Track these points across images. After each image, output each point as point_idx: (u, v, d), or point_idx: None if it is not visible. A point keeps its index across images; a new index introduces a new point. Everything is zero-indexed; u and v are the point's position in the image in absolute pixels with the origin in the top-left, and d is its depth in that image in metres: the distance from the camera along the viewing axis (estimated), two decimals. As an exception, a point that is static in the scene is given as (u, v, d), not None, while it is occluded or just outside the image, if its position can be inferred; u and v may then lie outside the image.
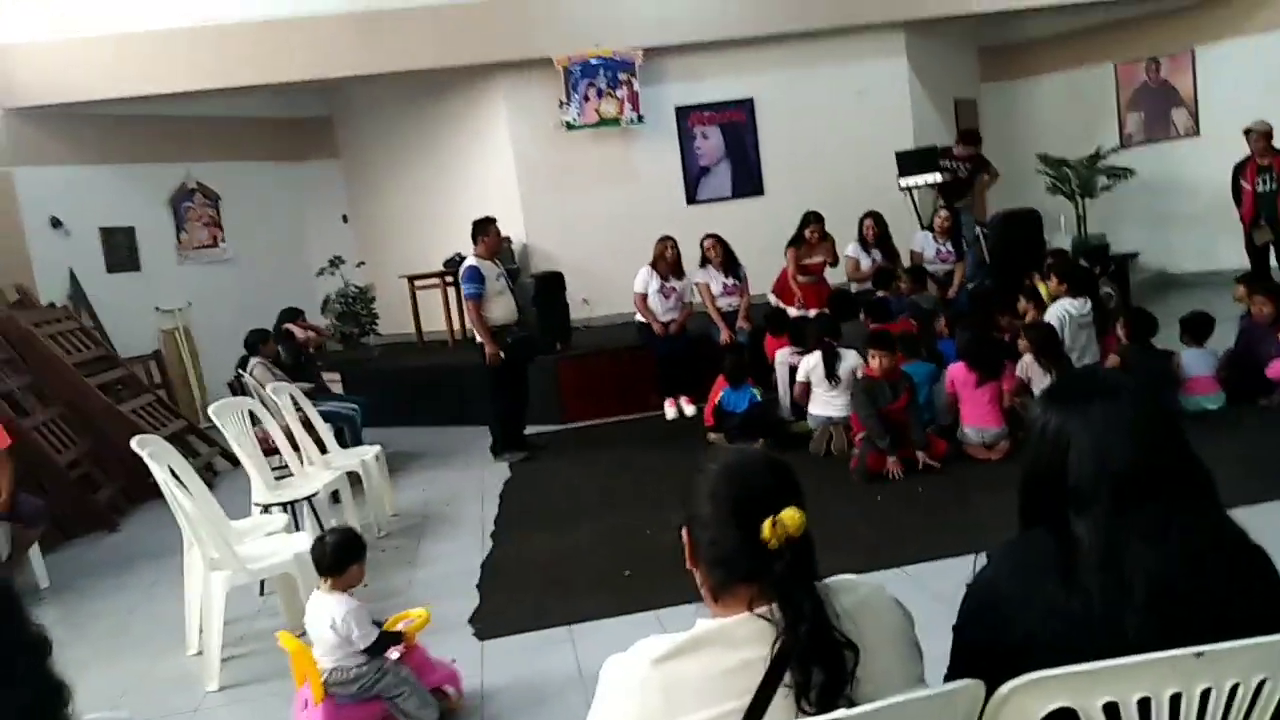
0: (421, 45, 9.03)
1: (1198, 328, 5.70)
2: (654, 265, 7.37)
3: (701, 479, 1.38)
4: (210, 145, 10.07)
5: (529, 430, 6.97)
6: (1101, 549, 1.27)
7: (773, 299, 7.87)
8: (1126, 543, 1.27)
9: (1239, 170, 7.96)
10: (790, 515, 1.26)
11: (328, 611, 2.96)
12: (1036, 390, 5.40)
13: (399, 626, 3.16)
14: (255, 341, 6.51)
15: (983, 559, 1.41)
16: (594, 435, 7.25)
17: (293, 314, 7.56)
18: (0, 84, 8.41)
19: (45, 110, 8.66)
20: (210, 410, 4.71)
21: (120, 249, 9.43)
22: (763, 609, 1.26)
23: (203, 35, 8.62)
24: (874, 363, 5.28)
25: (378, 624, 3.06)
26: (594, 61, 9.36)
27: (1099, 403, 1.38)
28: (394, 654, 3.07)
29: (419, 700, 3.02)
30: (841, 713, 1.15)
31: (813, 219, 7.68)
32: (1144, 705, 1.19)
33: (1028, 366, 5.42)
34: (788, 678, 1.21)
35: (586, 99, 9.41)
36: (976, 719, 1.22)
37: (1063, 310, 5.88)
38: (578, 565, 4.39)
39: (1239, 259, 10.29)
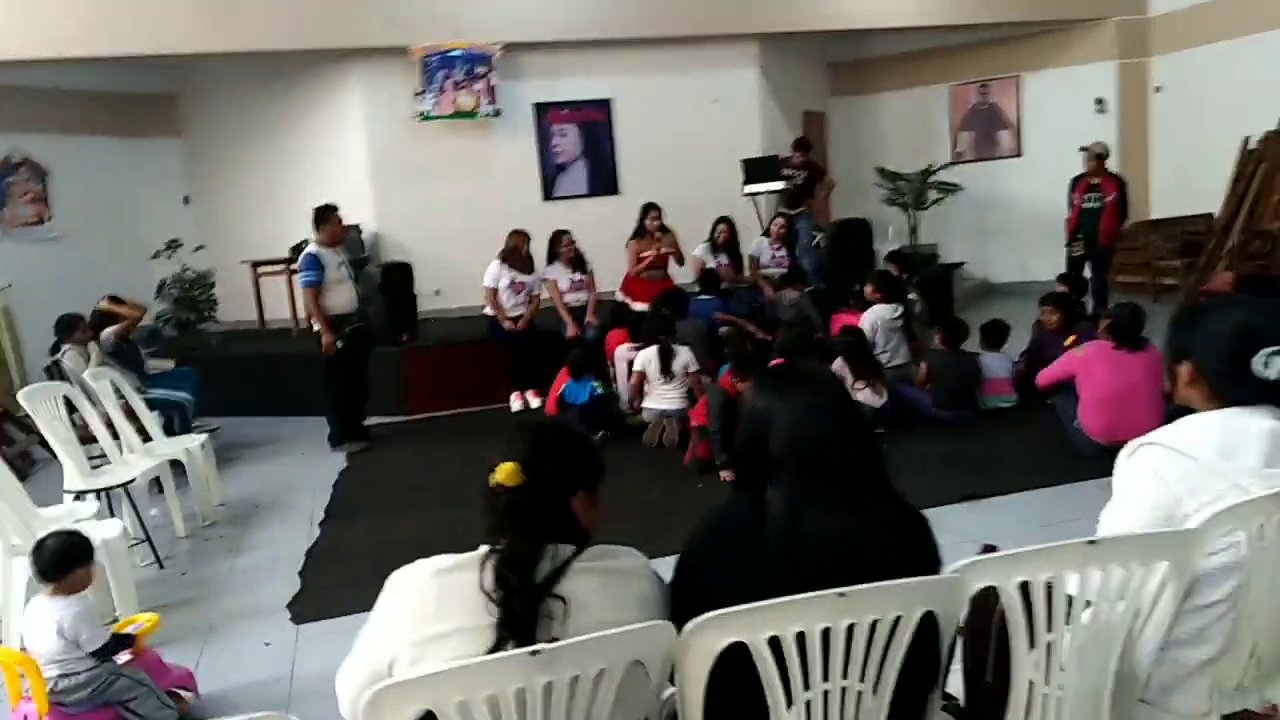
0: (274, 25, 8.81)
1: (994, 334, 6.24)
2: (506, 259, 7.44)
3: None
4: (41, 117, 9.52)
5: (371, 421, 6.95)
6: (785, 513, 1.49)
7: (619, 295, 8.09)
8: (805, 509, 1.49)
9: (1073, 184, 8.49)
10: (504, 466, 1.48)
11: (53, 616, 2.84)
12: (850, 388, 5.78)
13: (128, 630, 3.10)
14: (65, 327, 6.24)
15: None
16: (438, 426, 7.29)
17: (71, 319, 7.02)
18: None
19: None
20: (20, 395, 4.54)
21: (-68, 223, 8.83)
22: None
23: (37, 1, 8.17)
24: (740, 386, 5.48)
25: (107, 627, 3.00)
26: (452, 53, 9.37)
27: (799, 390, 1.61)
28: (124, 657, 3.00)
29: (156, 702, 2.94)
30: (542, 647, 1.32)
31: (652, 208, 7.93)
32: (801, 640, 1.41)
33: (840, 368, 5.79)
34: None
35: (443, 90, 9.40)
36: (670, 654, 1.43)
37: (876, 316, 6.32)
38: (403, 553, 4.40)
39: (1051, 271, 11.18)
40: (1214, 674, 1.81)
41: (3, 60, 8.23)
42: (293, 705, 3.12)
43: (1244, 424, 1.76)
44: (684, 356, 6.10)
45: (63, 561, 2.93)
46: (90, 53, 8.45)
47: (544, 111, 10.00)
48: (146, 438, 5.24)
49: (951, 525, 3.62)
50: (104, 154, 10.03)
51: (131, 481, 4.48)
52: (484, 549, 1.49)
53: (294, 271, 8.51)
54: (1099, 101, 11.15)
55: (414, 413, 7.58)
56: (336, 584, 4.12)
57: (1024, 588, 1.53)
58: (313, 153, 9.84)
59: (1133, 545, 1.63)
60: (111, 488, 4.45)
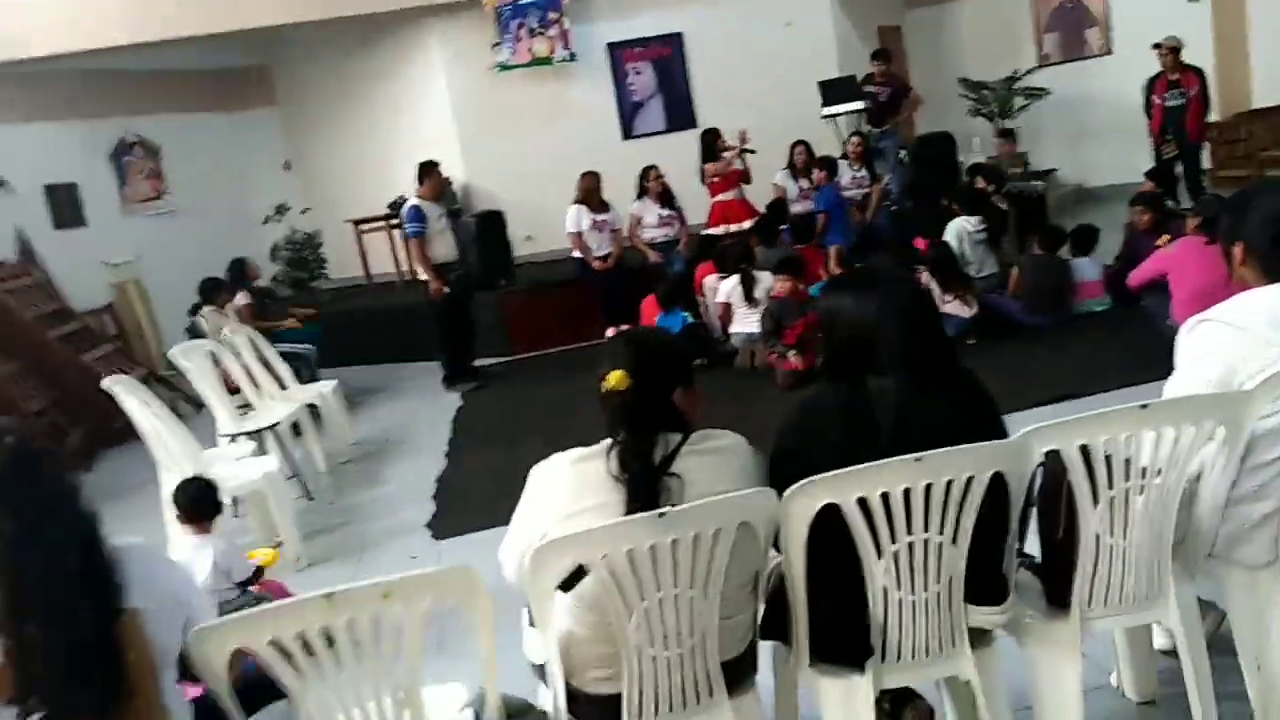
0: (353, -8, 9.15)
1: (1083, 238, 6.23)
2: (582, 201, 7.69)
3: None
4: (148, 98, 10.13)
5: (478, 362, 7.37)
6: (897, 397, 1.72)
7: (710, 231, 8.25)
8: (911, 396, 1.73)
9: (1150, 85, 8.30)
10: (612, 374, 1.72)
11: (207, 552, 3.18)
12: (939, 301, 5.90)
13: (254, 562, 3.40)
14: (209, 290, 6.81)
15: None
16: (541, 364, 7.67)
17: (240, 264, 7.73)
18: (-67, 44, 8.43)
19: (-20, 69, 8.71)
20: (173, 352, 5.04)
21: (65, 205, 9.53)
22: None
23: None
24: (780, 285, 5.77)
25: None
26: (523, 1, 9.54)
27: (888, 292, 1.82)
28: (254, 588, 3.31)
29: None
30: (667, 510, 1.61)
31: (712, 132, 8.03)
32: (886, 500, 1.66)
33: (928, 282, 5.89)
34: None
35: (519, 39, 9.61)
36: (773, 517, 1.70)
37: (960, 228, 6.37)
38: (523, 476, 4.80)
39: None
40: (1275, 526, 1.98)
41: (109, 47, 8.78)
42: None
43: (1293, 297, 1.91)
44: (765, 282, 6.29)
45: (207, 505, 3.35)
46: (185, 33, 8.93)
47: (618, 51, 10.11)
48: (282, 387, 5.73)
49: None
50: (208, 128, 10.62)
51: (278, 424, 4.96)
52: (607, 442, 1.76)
53: (394, 226, 8.98)
54: (1191, -11, 10.64)
55: (517, 353, 7.97)
56: (469, 504, 4.53)
57: (1084, 450, 1.74)
58: (400, 112, 10.20)
59: (1183, 407, 1.82)
60: (260, 430, 4.93)
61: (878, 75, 9.02)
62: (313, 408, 5.57)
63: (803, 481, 1.64)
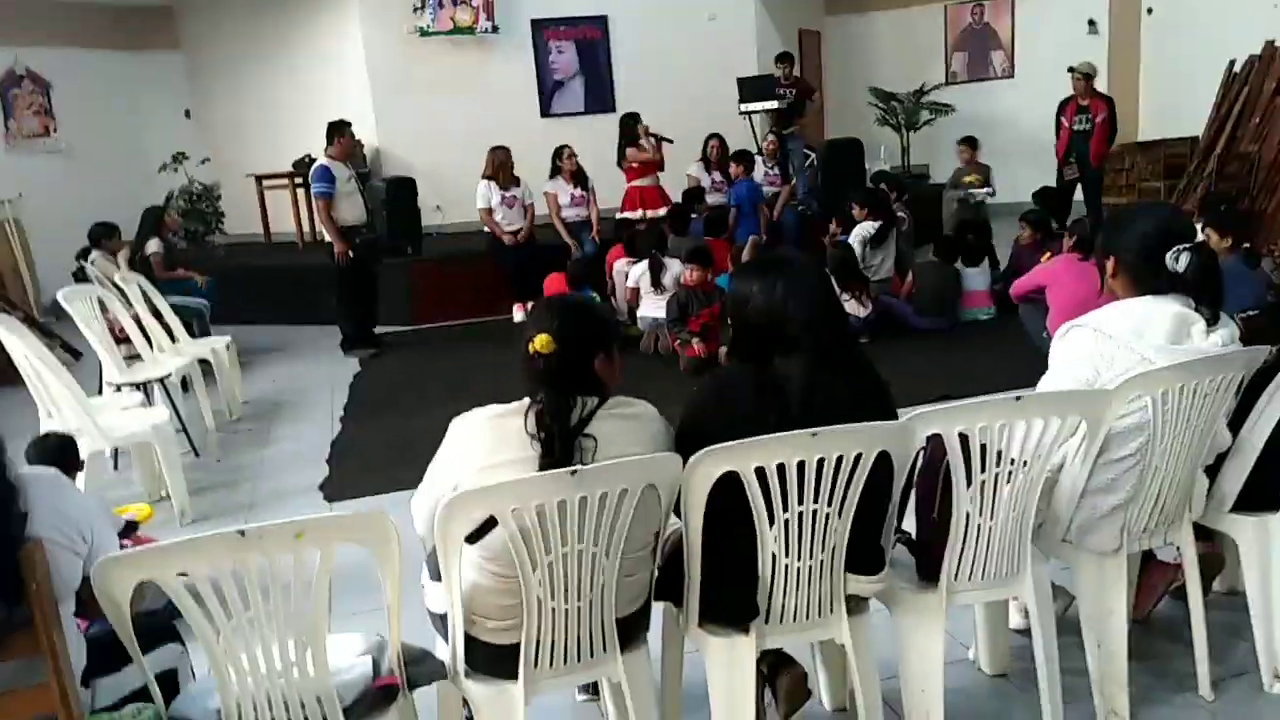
0: (271, -63, 8.88)
1: (972, 250, 6.56)
2: (492, 177, 7.66)
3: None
4: (41, 29, 9.59)
5: (379, 330, 7.28)
6: (804, 376, 1.83)
7: (619, 215, 8.34)
8: (818, 374, 1.84)
9: (1061, 107, 8.57)
10: (539, 337, 1.79)
11: None
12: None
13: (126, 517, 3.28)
14: (100, 235, 6.54)
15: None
16: (444, 335, 7.63)
17: (158, 214, 7.42)
18: None
19: None
20: (59, 294, 4.84)
21: (-60, 134, 8.99)
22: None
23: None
24: (690, 274, 5.91)
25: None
26: (449, -33, 9.42)
27: (794, 274, 1.93)
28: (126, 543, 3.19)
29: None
30: (579, 468, 1.69)
31: (634, 116, 8.13)
32: (781, 470, 1.77)
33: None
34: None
35: (441, 5, 9.48)
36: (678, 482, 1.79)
37: (863, 231, 6.64)
38: (425, 441, 4.78)
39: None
40: (1123, 518, 2.19)
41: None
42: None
43: (1156, 309, 2.11)
44: (674, 269, 6.42)
45: (68, 457, 3.21)
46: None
47: (541, 27, 10.08)
48: (173, 339, 5.55)
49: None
50: (105, 66, 10.14)
51: (168, 376, 4.82)
52: (526, 400, 1.83)
53: (298, 185, 8.76)
54: (1091, 23, 11.27)
55: (420, 323, 7.91)
56: (361, 469, 4.51)
57: (962, 436, 1.89)
58: (312, 68, 9.93)
59: (1052, 401, 2.00)
60: (149, 381, 4.78)
61: (783, 78, 9.24)
62: (204, 363, 5.43)
63: (707, 449, 1.74)
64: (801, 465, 1.77)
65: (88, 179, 9.51)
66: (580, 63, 10.28)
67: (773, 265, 1.97)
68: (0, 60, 9.39)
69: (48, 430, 3.38)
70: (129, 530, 3.15)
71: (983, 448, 1.92)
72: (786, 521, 1.82)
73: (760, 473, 1.77)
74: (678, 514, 1.88)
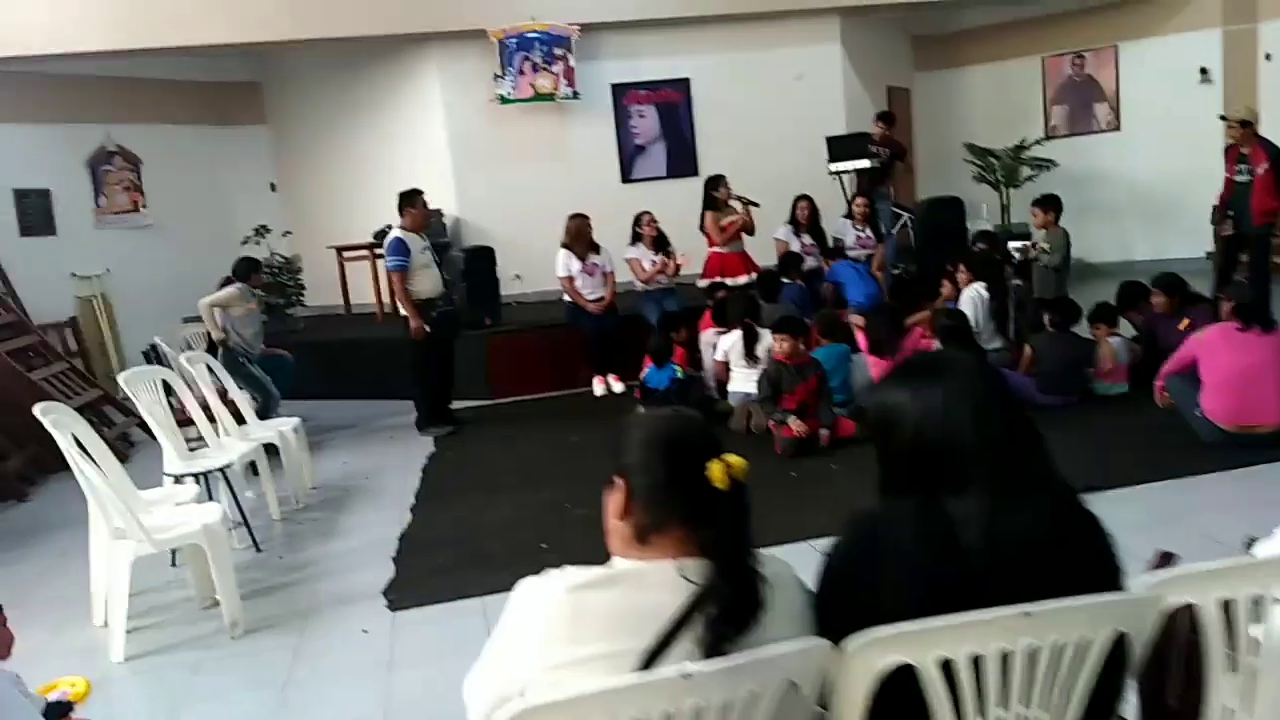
0: (353, 12, 8.88)
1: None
2: (570, 246, 7.35)
3: (635, 429, 1.46)
4: (131, 107, 9.76)
5: (455, 405, 6.96)
6: (985, 517, 1.34)
7: (703, 283, 7.92)
8: (1002, 513, 1.34)
9: (1226, 155, 7.64)
10: (737, 460, 1.34)
11: None
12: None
13: (53, 696, 2.69)
14: (246, 269, 6.74)
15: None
16: (522, 411, 7.27)
17: (253, 265, 7.28)
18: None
19: (-45, 65, 8.33)
20: (121, 378, 4.61)
21: (35, 212, 9.12)
22: (686, 561, 1.31)
23: (124, -7, 8.34)
24: (778, 346, 5.42)
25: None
26: (530, 35, 9.29)
27: (959, 381, 1.45)
28: None
29: None
30: (694, 668, 1.20)
31: (719, 179, 7.74)
32: (976, 663, 1.27)
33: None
34: (694, 625, 1.27)
35: (522, 73, 9.34)
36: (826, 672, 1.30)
37: (975, 295, 6.06)
38: (496, 539, 4.42)
39: (1153, 251, 10.70)
40: None
41: (95, 51, 8.43)
42: (393, 691, 3.08)
43: None
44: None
45: None
46: (177, 43, 8.59)
47: (622, 92, 9.86)
48: (240, 420, 5.29)
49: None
50: (193, 142, 10.25)
51: (229, 465, 4.52)
52: (620, 567, 1.36)
53: (378, 256, 8.58)
54: (1203, 71, 10.58)
55: (497, 397, 7.58)
56: (431, 570, 4.09)
57: (1224, 606, 1.36)
58: (393, 138, 9.89)
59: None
60: (209, 471, 4.49)
61: (878, 136, 8.79)
62: (271, 446, 5.14)
63: (874, 633, 1.25)
64: (1005, 656, 1.26)
65: (173, 254, 9.55)
66: (661, 126, 10.01)
67: (926, 368, 1.49)
68: (92, 137, 9.55)
69: None
70: (57, 713, 2.48)
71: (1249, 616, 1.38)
72: (981, 731, 1.30)
73: (946, 666, 1.27)
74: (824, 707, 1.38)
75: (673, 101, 9.98)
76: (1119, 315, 6.07)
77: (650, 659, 1.25)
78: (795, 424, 5.28)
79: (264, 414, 5.93)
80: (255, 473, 5.10)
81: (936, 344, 5.61)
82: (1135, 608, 1.30)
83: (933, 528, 1.35)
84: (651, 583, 1.31)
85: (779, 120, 9.73)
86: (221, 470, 4.51)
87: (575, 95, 9.53)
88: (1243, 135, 7.34)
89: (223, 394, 5.30)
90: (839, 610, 1.37)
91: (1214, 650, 1.37)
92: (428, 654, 3.35)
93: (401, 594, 3.87)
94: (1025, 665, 1.27)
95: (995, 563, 1.30)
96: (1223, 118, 7.77)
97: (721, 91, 9.87)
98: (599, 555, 4.34)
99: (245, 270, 6.73)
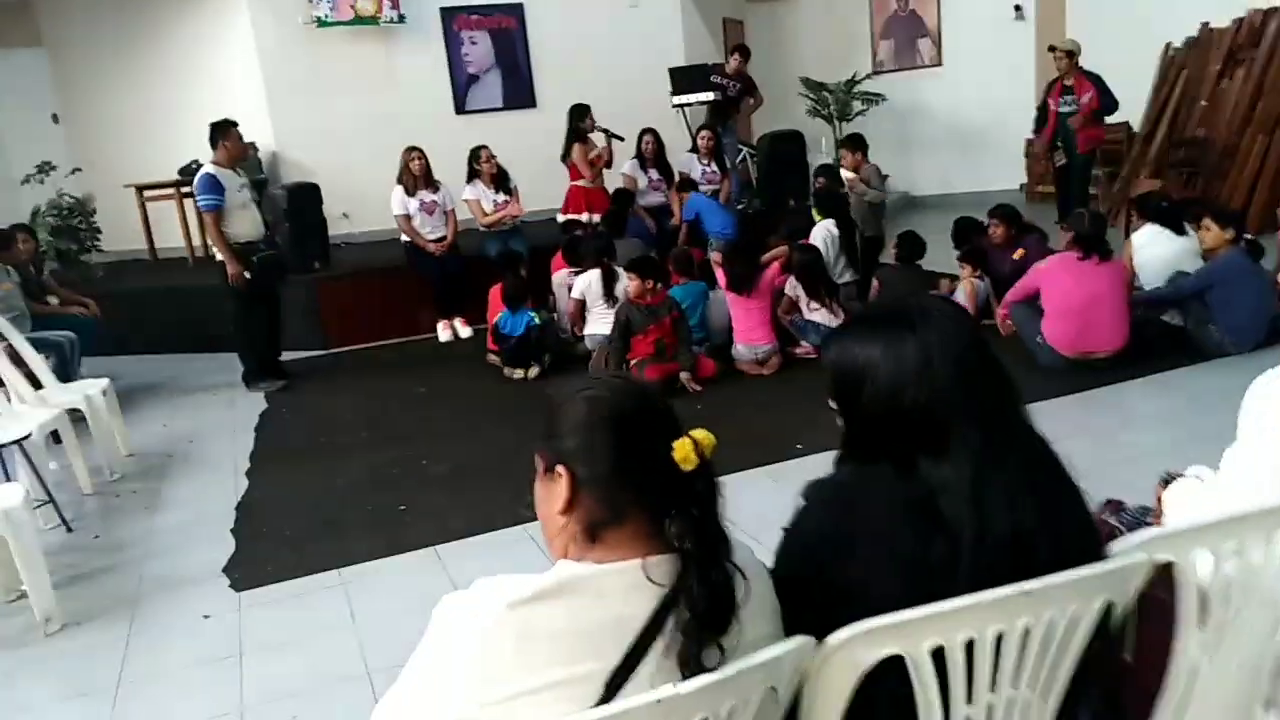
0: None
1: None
2: (404, 183, 6.91)
3: (572, 405, 1.21)
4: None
5: (286, 356, 6.44)
6: (972, 486, 1.19)
7: (561, 217, 7.64)
8: (988, 478, 1.20)
9: (1049, 89, 7.95)
10: (705, 435, 1.14)
11: None
12: (804, 309, 5.57)
13: None
14: None
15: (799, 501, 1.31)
16: (361, 361, 6.83)
17: (7, 237, 6.43)
18: None
19: None
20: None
21: None
22: (650, 559, 1.10)
23: None
24: (629, 286, 5.26)
25: None
26: (348, -49, 8.56)
27: (934, 330, 1.28)
28: None
29: None
30: (669, 693, 1.01)
31: (584, 108, 7.48)
32: (969, 647, 1.14)
33: (795, 286, 5.56)
34: (666, 635, 1.07)
35: (340, -8, 8.60)
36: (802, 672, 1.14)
37: (825, 232, 6.09)
38: (349, 504, 4.08)
39: (971, 183, 11.19)
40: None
41: None
42: (250, 685, 2.75)
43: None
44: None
45: None
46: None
47: (451, 16, 9.28)
48: (37, 386, 4.65)
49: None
50: (-47, 66, 8.91)
51: (27, 437, 3.93)
52: (578, 569, 1.12)
53: (186, 195, 7.79)
54: (1017, 8, 11.01)
55: (332, 346, 7.09)
56: (277, 543, 3.72)
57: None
58: (197, 63, 8.93)
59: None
60: (3, 444, 3.90)
61: (732, 70, 8.68)
62: (75, 411, 4.54)
63: (861, 626, 1.09)
64: (999, 637, 1.14)
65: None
66: (496, 55, 9.51)
67: (896, 317, 1.31)
68: None
69: None
70: None
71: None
72: (968, 717, 1.18)
73: (937, 654, 1.13)
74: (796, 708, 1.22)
75: (507, 28, 9.49)
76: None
77: (616, 682, 1.05)
78: (651, 366, 5.14)
79: (64, 376, 5.25)
80: (58, 441, 4.51)
81: (792, 280, 5.59)
82: (1124, 574, 1.20)
83: (912, 497, 1.21)
84: (610, 589, 1.09)
85: (617, 51, 9.43)
86: (19, 442, 3.92)
87: (401, 19, 8.89)
88: (1068, 65, 7.69)
89: (14, 357, 4.62)
90: (805, 595, 1.22)
91: (1186, 606, 1.31)
92: (285, 638, 3.02)
93: (246, 571, 3.49)
94: (1018, 646, 1.15)
95: (982, 534, 1.17)
96: (1051, 49, 8.06)
97: (557, 18, 9.47)
98: (463, 515, 4.06)
99: None
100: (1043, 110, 8.10)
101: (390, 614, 3.07)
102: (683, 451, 1.12)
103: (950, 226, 6.50)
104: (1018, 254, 5.99)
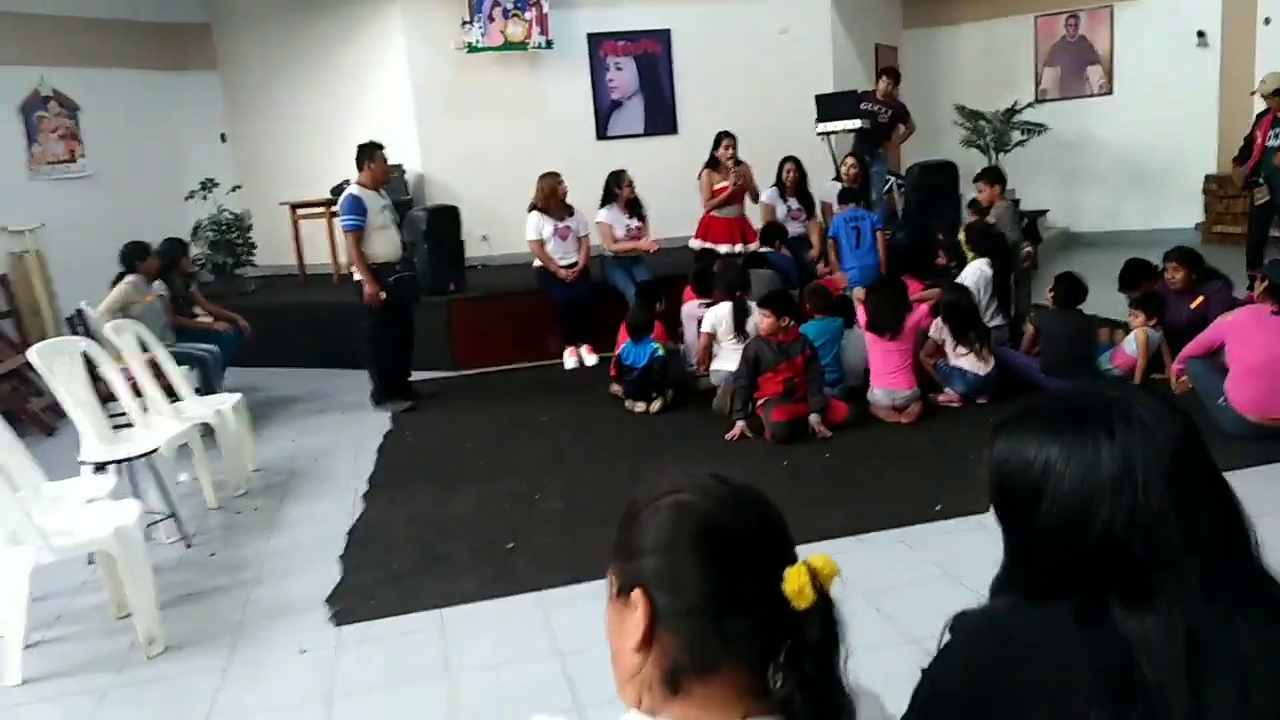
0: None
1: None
2: (543, 208, 6.87)
3: (656, 513, 0.97)
4: (69, 49, 9.01)
5: (415, 377, 6.48)
6: (1183, 652, 0.90)
7: (696, 244, 7.45)
8: (1213, 642, 0.91)
9: (1257, 121, 7.29)
10: (824, 562, 0.89)
11: None
12: (950, 354, 5.17)
13: None
14: (133, 256, 5.94)
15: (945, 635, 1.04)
16: (487, 384, 6.80)
17: (179, 248, 6.76)
18: None
19: None
20: (32, 353, 4.07)
21: (-40, 161, 8.42)
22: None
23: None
24: (761, 323, 4.98)
25: None
26: (500, -21, 8.68)
27: (1142, 436, 0.97)
28: None
29: None
30: None
31: (726, 136, 7.29)
32: None
33: (941, 329, 5.17)
34: None
35: (491, 19, 8.72)
36: None
37: (978, 271, 5.65)
38: (457, 536, 3.97)
39: (1140, 220, 10.39)
40: None
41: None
42: (331, 734, 2.64)
43: None
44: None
45: None
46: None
47: (598, 43, 9.28)
48: (174, 398, 4.78)
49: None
50: (137, 88, 9.52)
51: (154, 451, 4.01)
52: None
53: (334, 214, 8.01)
54: (1200, 34, 10.19)
55: (462, 368, 7.10)
56: (381, 576, 3.64)
57: None
58: (353, 87, 9.24)
59: None
60: (133, 458, 3.98)
61: (880, 95, 8.32)
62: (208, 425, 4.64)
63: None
64: None
65: (112, 207, 8.88)
66: (640, 80, 9.46)
67: (1090, 413, 1.00)
68: (25, 81, 8.81)
69: None
70: None
71: None
72: None
73: None
74: None
75: (652, 53, 9.42)
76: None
77: None
78: (782, 406, 4.85)
79: (207, 389, 5.42)
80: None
81: (938, 321, 5.20)
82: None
83: (1099, 652, 0.92)
84: None
85: (763, 77, 9.22)
86: (147, 455, 3.99)
87: (549, 45, 8.94)
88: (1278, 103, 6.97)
89: (155, 368, 4.77)
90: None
91: None
92: (373, 682, 2.91)
93: (347, 604, 3.41)
94: None
95: (1194, 707, 0.87)
96: (1264, 84, 7.35)
97: (703, 44, 9.33)
98: (569, 559, 3.79)
99: (130, 257, 6.05)
100: (1248, 141, 7.37)
101: (484, 666, 2.92)
102: (796, 583, 0.87)
103: (1114, 267, 5.93)
104: (1197, 302, 5.41)
